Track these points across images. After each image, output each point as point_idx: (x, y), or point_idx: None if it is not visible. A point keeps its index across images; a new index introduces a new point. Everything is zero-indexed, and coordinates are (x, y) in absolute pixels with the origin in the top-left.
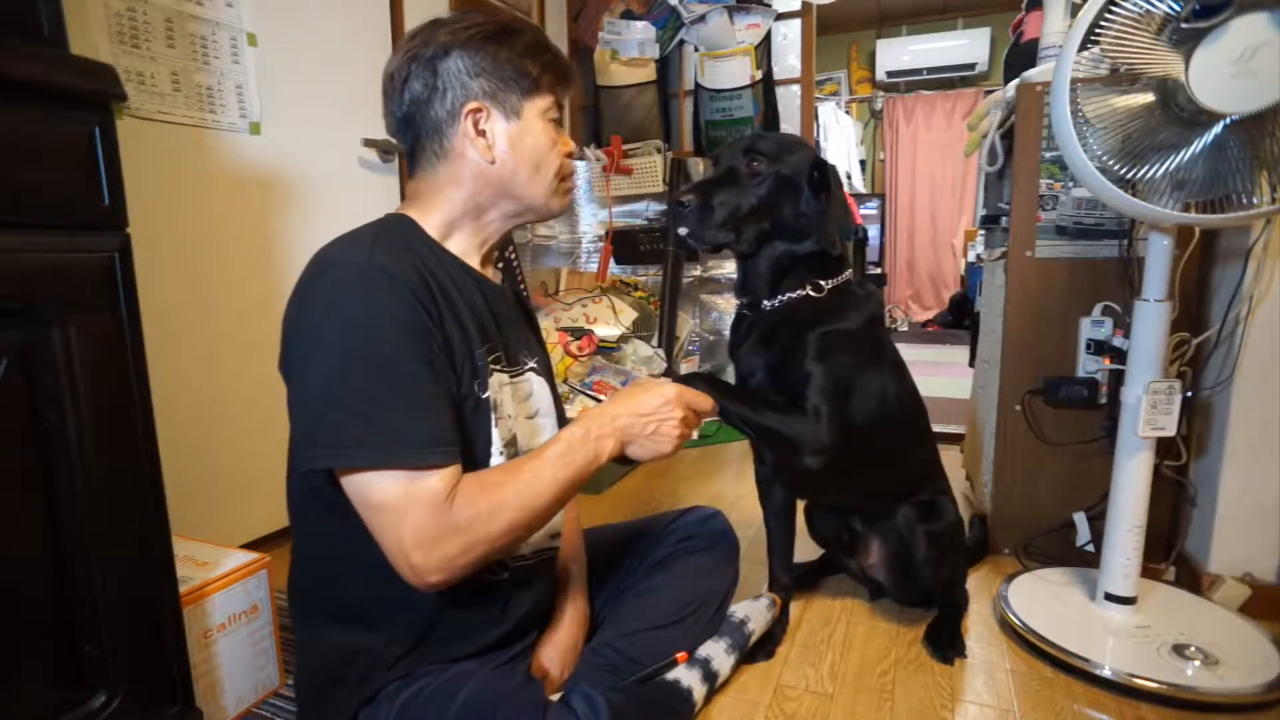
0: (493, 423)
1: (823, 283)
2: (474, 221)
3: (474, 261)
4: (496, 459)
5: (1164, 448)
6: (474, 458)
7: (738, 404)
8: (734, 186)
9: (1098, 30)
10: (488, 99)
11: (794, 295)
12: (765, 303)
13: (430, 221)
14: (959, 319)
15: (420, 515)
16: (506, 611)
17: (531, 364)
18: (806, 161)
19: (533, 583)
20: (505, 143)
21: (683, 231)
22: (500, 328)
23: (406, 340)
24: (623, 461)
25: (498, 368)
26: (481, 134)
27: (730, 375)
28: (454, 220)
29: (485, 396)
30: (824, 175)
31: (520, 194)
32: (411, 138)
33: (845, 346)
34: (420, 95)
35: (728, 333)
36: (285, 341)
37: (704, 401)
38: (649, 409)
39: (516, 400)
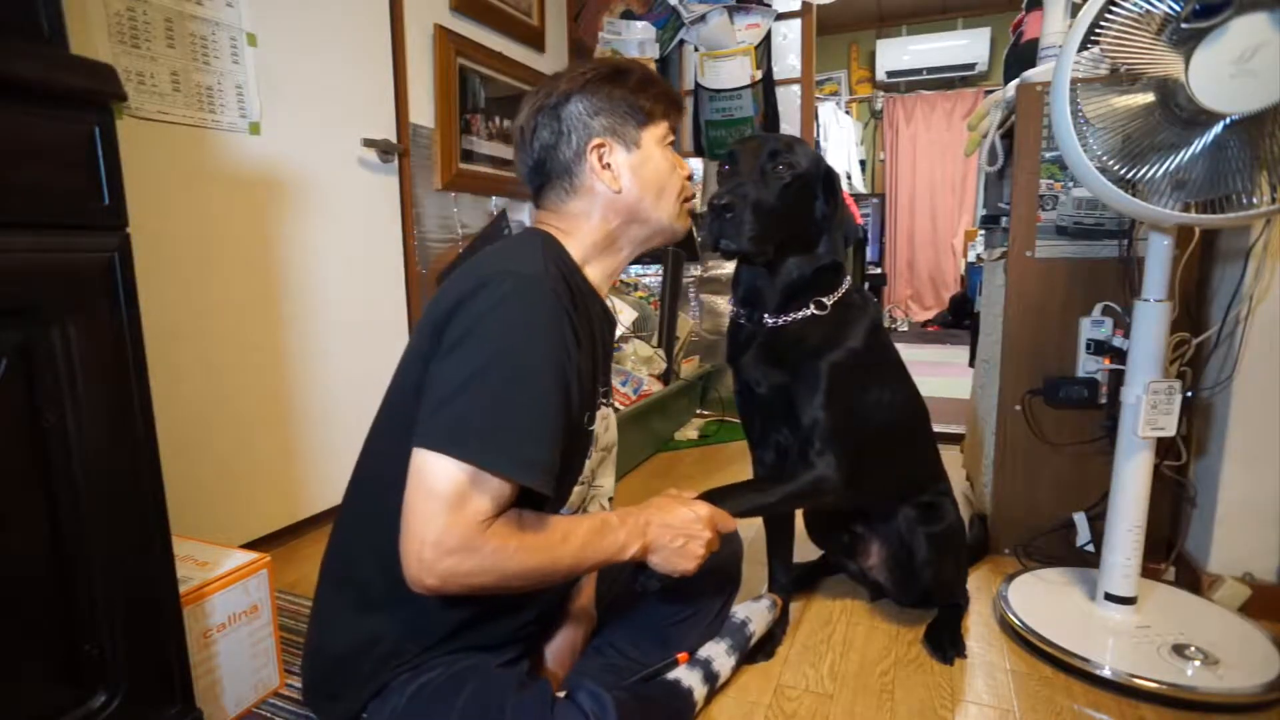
0: (588, 454)
1: (826, 300)
2: (606, 251)
3: (603, 293)
4: (578, 488)
5: (1164, 448)
6: (565, 484)
7: (748, 502)
8: (766, 190)
9: (1098, 30)
10: (609, 134)
11: (799, 315)
12: (768, 318)
13: (572, 248)
14: (959, 319)
15: (458, 520)
16: (522, 613)
17: (610, 400)
18: (819, 165)
19: (553, 597)
20: (629, 172)
21: (724, 241)
22: (609, 361)
23: (552, 361)
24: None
25: (604, 402)
26: (607, 167)
27: (731, 382)
28: (588, 251)
29: (591, 429)
30: (831, 179)
31: (648, 217)
32: (542, 179)
33: (854, 370)
34: (549, 142)
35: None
36: (446, 317)
37: (730, 523)
38: (679, 523)
39: (601, 432)
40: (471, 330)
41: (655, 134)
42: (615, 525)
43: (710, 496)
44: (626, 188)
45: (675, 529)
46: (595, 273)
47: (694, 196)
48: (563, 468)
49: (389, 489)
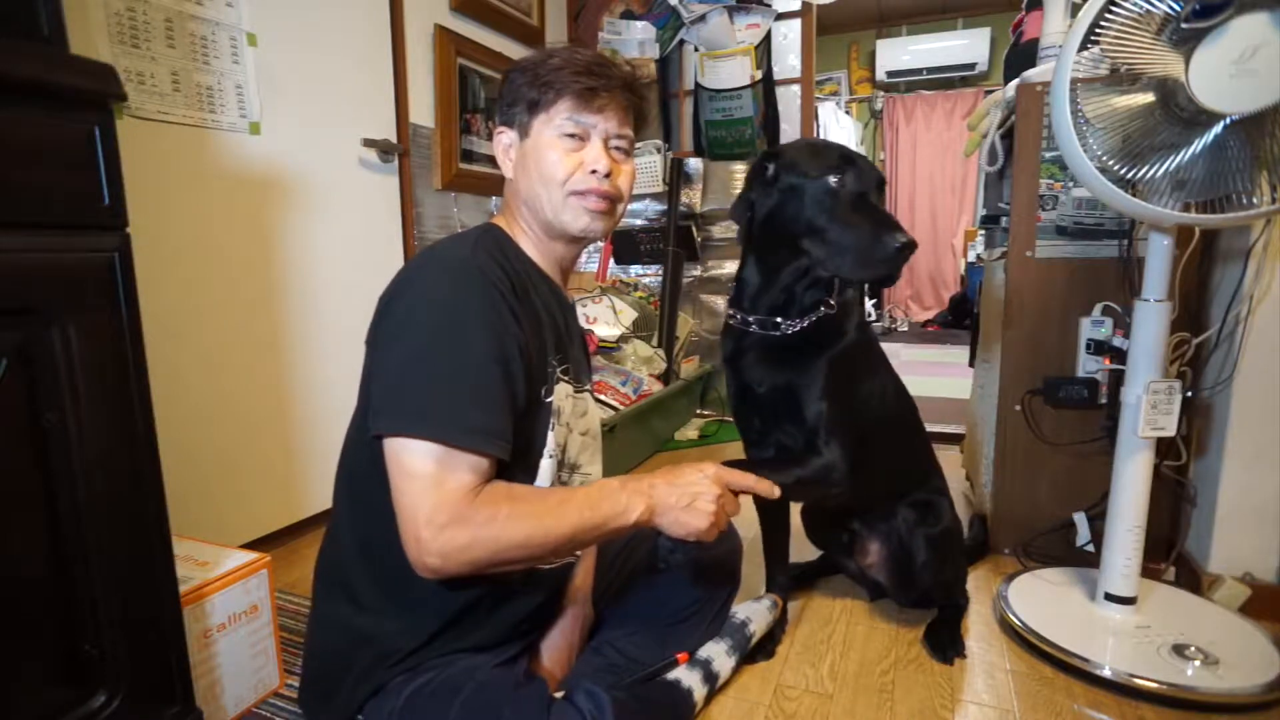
0: (550, 427)
1: (833, 299)
2: (537, 239)
3: (557, 278)
4: (547, 461)
5: (1164, 448)
6: (529, 457)
7: (767, 475)
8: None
9: (1098, 30)
10: (505, 121)
11: (815, 316)
12: (784, 323)
13: (515, 234)
14: (959, 319)
15: (444, 495)
16: (517, 610)
17: (588, 387)
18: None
19: (546, 587)
20: (519, 159)
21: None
22: (570, 342)
23: (487, 334)
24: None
25: (565, 379)
26: (506, 153)
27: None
28: (523, 237)
29: (549, 401)
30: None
31: (536, 207)
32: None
33: (851, 361)
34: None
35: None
36: (379, 316)
37: (743, 480)
38: (684, 481)
39: (575, 415)
40: (408, 317)
41: (547, 122)
42: (615, 489)
43: (733, 465)
44: (516, 174)
45: (680, 487)
46: (540, 259)
47: (591, 192)
48: (525, 438)
49: (363, 481)
